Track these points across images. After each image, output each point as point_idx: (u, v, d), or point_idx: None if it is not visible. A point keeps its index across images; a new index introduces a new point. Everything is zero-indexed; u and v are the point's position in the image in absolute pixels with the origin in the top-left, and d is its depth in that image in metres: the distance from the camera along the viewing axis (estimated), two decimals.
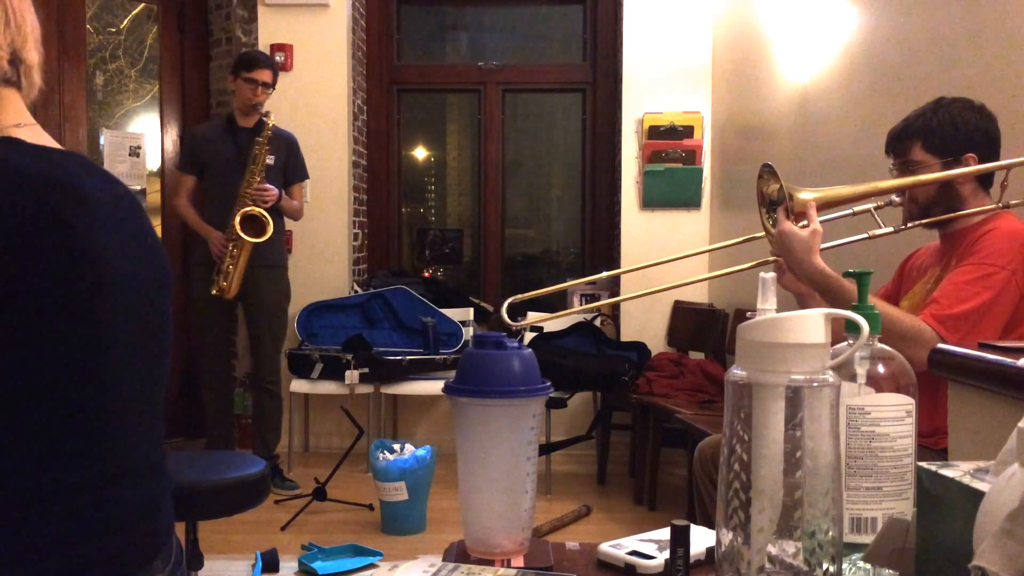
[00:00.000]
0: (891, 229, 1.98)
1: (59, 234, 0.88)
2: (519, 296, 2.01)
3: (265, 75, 4.09)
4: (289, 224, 4.84)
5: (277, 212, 4.16)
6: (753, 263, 1.93)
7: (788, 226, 1.87)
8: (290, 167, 4.26)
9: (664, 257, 4.99)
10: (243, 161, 4.07)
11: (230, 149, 4.11)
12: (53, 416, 0.90)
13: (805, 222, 1.89)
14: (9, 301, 0.86)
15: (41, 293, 0.87)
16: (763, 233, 1.99)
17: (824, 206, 1.92)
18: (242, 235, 3.99)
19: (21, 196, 0.88)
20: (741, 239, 2.20)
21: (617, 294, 4.97)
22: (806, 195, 1.90)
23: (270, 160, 4.10)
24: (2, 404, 0.88)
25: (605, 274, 2.41)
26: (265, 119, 4.08)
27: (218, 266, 4.05)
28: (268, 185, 4.05)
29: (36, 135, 1.00)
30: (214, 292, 4.04)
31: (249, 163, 4.04)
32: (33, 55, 1.03)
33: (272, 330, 4.22)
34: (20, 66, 1.01)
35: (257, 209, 4.02)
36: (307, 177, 4.39)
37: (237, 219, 3.99)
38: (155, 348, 1.03)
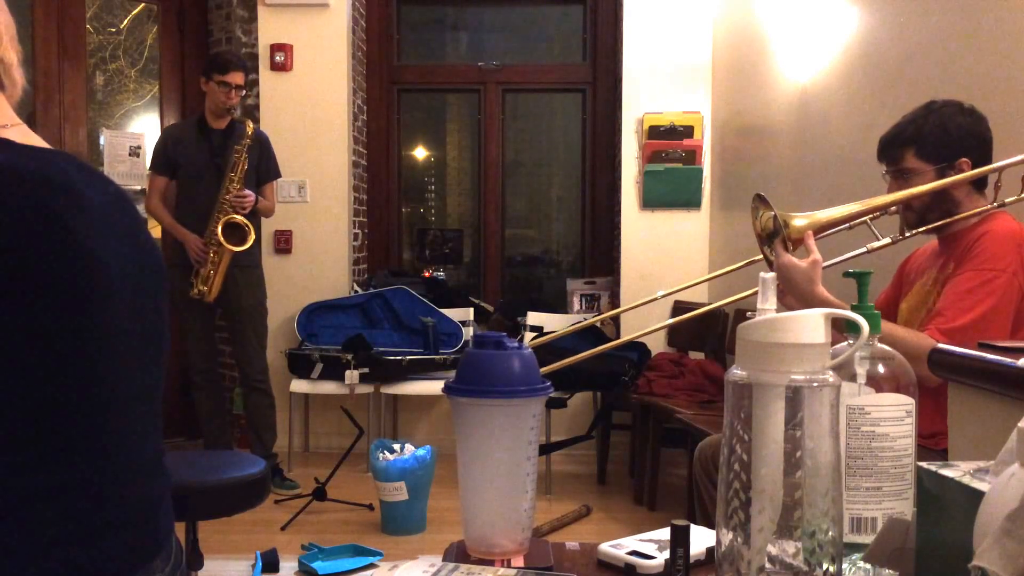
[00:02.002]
0: (888, 240, 1.96)
1: (55, 233, 0.88)
2: (537, 341, 2.01)
3: (238, 78, 4.06)
4: (289, 224, 4.85)
5: (252, 212, 4.16)
6: (753, 291, 1.92)
7: (788, 259, 1.86)
8: (263, 167, 4.24)
9: (663, 257, 5.02)
10: (216, 163, 4.06)
11: (203, 151, 4.09)
12: (50, 416, 0.90)
13: (804, 249, 1.88)
14: (4, 300, 0.86)
15: (37, 292, 0.87)
16: (761, 256, 1.98)
17: (820, 230, 1.91)
18: (225, 244, 3.99)
19: (15, 195, 0.87)
20: (743, 263, 2.20)
21: (616, 295, 4.98)
22: (801, 222, 1.89)
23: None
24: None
25: (608, 314, 2.41)
26: (244, 125, 4.07)
27: (197, 270, 4.05)
28: (247, 191, 4.04)
29: (24, 135, 0.99)
30: (194, 295, 4.04)
31: (228, 169, 4.03)
32: (10, 54, 1.01)
33: (255, 329, 4.21)
34: None
35: (239, 217, 4.02)
36: (279, 176, 4.38)
37: (219, 227, 3.99)
38: (151, 347, 1.03)
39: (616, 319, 5.04)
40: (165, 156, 4.16)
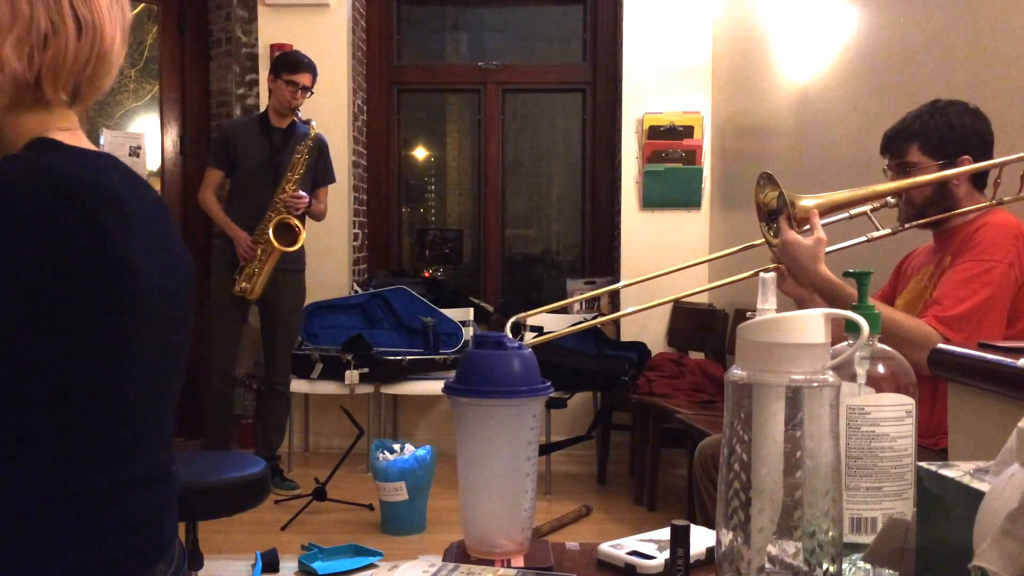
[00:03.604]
0: (889, 231, 1.98)
1: (96, 241, 0.88)
2: (523, 315, 2.00)
3: (306, 79, 4.07)
4: None
5: (302, 215, 4.17)
6: (754, 271, 1.93)
7: (793, 236, 1.87)
8: (319, 170, 4.24)
9: (663, 257, 5.02)
10: (276, 162, 4.06)
11: (263, 149, 4.09)
12: (72, 422, 0.90)
13: (808, 228, 1.89)
14: (42, 306, 0.85)
15: (75, 299, 0.87)
16: (763, 240, 1.98)
17: (825, 212, 1.92)
18: (276, 244, 3.98)
19: (59, 200, 0.87)
20: (743, 246, 2.19)
21: (617, 293, 4.97)
22: (808, 202, 1.90)
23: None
24: (23, 408, 0.88)
25: (607, 288, 2.42)
26: (307, 127, 4.05)
27: (242, 267, 4.04)
28: (301, 192, 4.04)
29: (74, 136, 1.00)
30: (236, 292, 4.03)
31: (286, 170, 4.02)
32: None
33: (288, 333, 4.24)
34: None
35: (294, 219, 4.02)
36: (334, 180, 4.37)
37: (271, 227, 3.98)
38: (174, 356, 1.03)
39: (616, 320, 5.04)
40: (224, 150, 4.16)
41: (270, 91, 4.16)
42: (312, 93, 4.15)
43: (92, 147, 0.99)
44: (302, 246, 4.17)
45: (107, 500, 0.94)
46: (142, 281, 0.92)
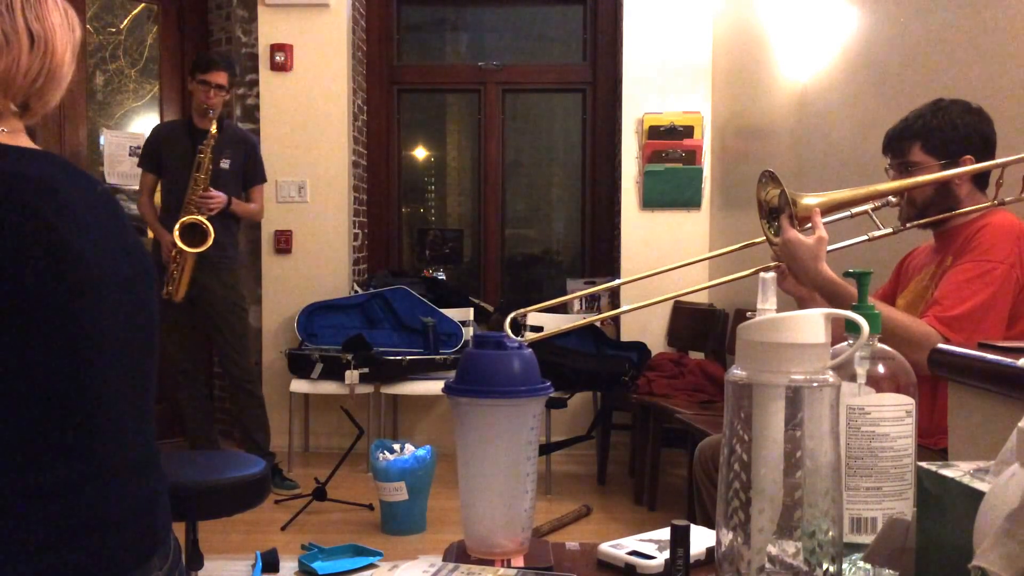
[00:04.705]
0: (890, 230, 1.98)
1: (40, 232, 0.89)
2: (521, 311, 2.00)
3: (219, 78, 3.99)
4: (289, 224, 4.85)
5: (233, 216, 4.12)
6: (754, 269, 1.93)
7: (794, 234, 1.87)
8: (249, 170, 4.20)
9: (663, 257, 5.02)
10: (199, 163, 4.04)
11: (186, 150, 4.04)
12: (41, 414, 0.90)
13: (809, 226, 1.89)
14: None
15: (25, 290, 0.88)
16: (763, 238, 1.98)
17: (827, 211, 1.92)
18: (180, 245, 3.94)
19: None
20: (743, 244, 2.19)
21: (617, 293, 4.98)
22: (810, 200, 1.90)
23: (225, 164, 4.05)
24: None
25: (606, 286, 2.42)
26: (212, 125, 3.99)
27: (167, 269, 4.01)
28: (214, 193, 3.98)
29: (13, 137, 1.00)
30: (164, 295, 3.98)
31: (193, 170, 3.98)
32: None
33: (232, 330, 4.14)
34: None
35: (197, 218, 3.95)
36: (264, 180, 4.32)
37: (176, 229, 3.94)
38: (141, 345, 1.03)
39: (616, 320, 5.04)
40: (151, 153, 4.15)
41: (191, 92, 4.12)
42: (228, 92, 4.10)
43: (34, 146, 1.00)
44: (232, 243, 4.12)
45: (90, 493, 0.93)
46: (91, 268, 0.93)
